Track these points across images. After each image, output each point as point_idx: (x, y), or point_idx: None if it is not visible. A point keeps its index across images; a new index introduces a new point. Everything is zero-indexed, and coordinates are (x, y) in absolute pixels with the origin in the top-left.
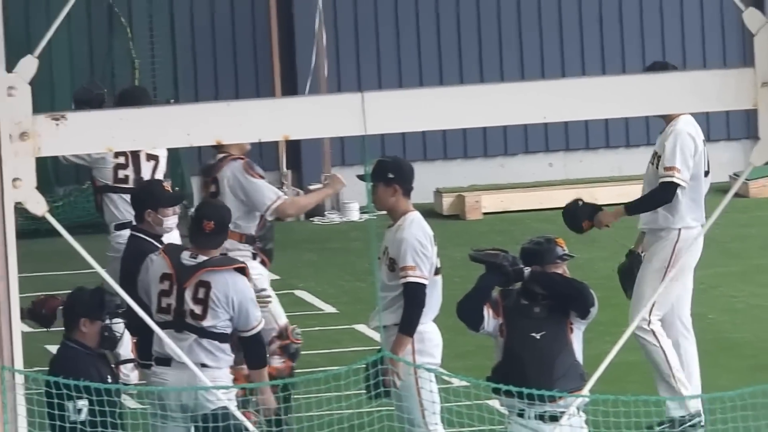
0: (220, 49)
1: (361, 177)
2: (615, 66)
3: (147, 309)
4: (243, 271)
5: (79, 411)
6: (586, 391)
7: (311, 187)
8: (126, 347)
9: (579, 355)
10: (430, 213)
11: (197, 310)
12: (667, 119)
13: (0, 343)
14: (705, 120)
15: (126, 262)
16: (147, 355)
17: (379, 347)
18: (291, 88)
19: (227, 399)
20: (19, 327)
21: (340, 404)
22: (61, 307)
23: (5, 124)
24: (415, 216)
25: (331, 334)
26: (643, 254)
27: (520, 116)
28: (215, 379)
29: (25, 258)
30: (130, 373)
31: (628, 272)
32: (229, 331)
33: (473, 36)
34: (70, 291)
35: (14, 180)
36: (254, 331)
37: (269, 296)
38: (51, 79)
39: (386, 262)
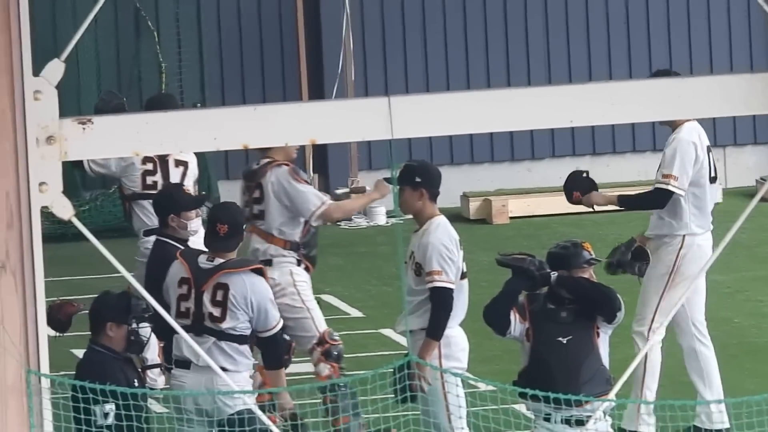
0: (247, 52)
1: (388, 180)
2: (642, 70)
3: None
4: (260, 271)
5: (106, 415)
6: (612, 395)
7: (338, 192)
8: (153, 351)
9: (605, 359)
10: (456, 217)
11: (216, 312)
12: (673, 126)
13: (26, 347)
14: (732, 124)
15: (151, 266)
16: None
17: (405, 351)
18: (318, 92)
19: (243, 404)
20: (45, 331)
21: (367, 408)
22: (76, 313)
23: (32, 127)
24: (441, 220)
25: (357, 338)
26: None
27: (547, 120)
28: (234, 382)
29: (51, 262)
30: (157, 378)
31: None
32: (248, 332)
33: (500, 40)
34: (95, 295)
35: (41, 184)
36: (273, 331)
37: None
38: (78, 83)
39: (413, 267)
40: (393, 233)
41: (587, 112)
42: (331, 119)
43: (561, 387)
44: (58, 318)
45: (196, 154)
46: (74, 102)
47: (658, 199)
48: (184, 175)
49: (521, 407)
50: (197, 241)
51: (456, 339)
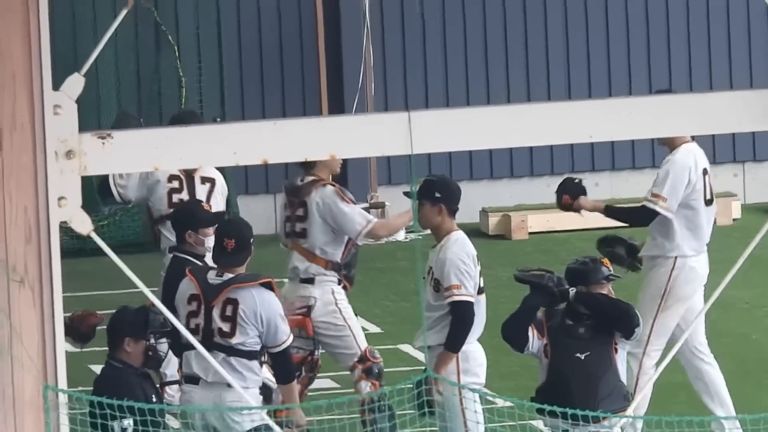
0: (267, 67)
1: (407, 194)
2: (661, 85)
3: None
4: (270, 285)
5: (124, 430)
6: (630, 411)
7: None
8: (173, 367)
9: (623, 375)
10: (475, 232)
11: (225, 327)
12: (670, 146)
13: (44, 362)
14: (751, 139)
15: (168, 282)
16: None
17: (424, 367)
18: (338, 107)
19: (250, 420)
20: (63, 346)
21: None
22: (98, 325)
23: (51, 142)
24: (459, 235)
25: None
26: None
27: (567, 136)
28: (242, 399)
29: (69, 277)
30: (175, 394)
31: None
32: (257, 348)
33: (520, 55)
34: (114, 311)
35: (60, 199)
36: (283, 347)
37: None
38: (98, 98)
39: (431, 283)
40: (412, 249)
41: (607, 127)
42: (350, 134)
43: (579, 403)
44: (82, 330)
45: (217, 168)
46: (94, 116)
47: (643, 216)
48: (210, 192)
49: (539, 423)
50: None
51: (474, 354)
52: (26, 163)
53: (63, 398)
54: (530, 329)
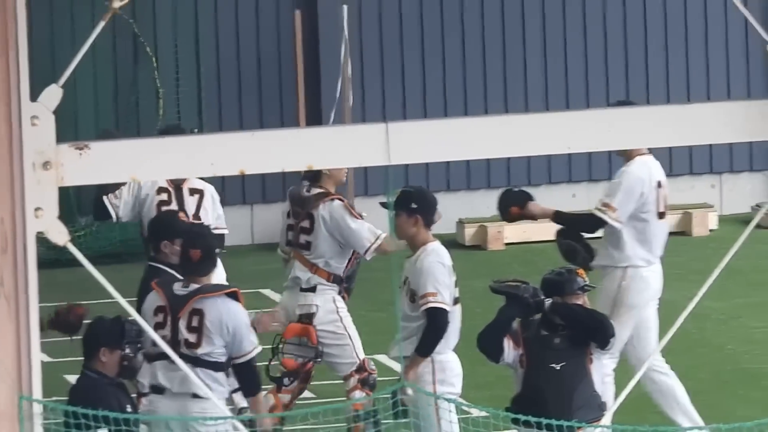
0: (245, 78)
1: (383, 204)
2: (640, 96)
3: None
4: (235, 295)
5: None
6: (605, 421)
7: None
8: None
9: (599, 385)
10: (452, 243)
11: (192, 338)
12: (626, 157)
13: (19, 372)
14: (728, 151)
15: (143, 292)
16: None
17: (398, 377)
18: (316, 118)
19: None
20: (38, 357)
21: None
22: (85, 315)
23: (28, 153)
24: (435, 246)
25: None
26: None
27: (544, 147)
28: (205, 410)
29: (46, 288)
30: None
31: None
32: (223, 359)
33: (498, 66)
34: (89, 321)
35: (36, 209)
36: (248, 357)
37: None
38: (75, 109)
39: (407, 293)
40: (387, 259)
41: (585, 138)
42: (328, 144)
43: (554, 413)
44: (71, 319)
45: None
46: (71, 128)
47: (591, 224)
48: (199, 203)
49: None
50: (218, 272)
51: (450, 364)
52: (3, 174)
53: (38, 408)
54: (506, 340)
